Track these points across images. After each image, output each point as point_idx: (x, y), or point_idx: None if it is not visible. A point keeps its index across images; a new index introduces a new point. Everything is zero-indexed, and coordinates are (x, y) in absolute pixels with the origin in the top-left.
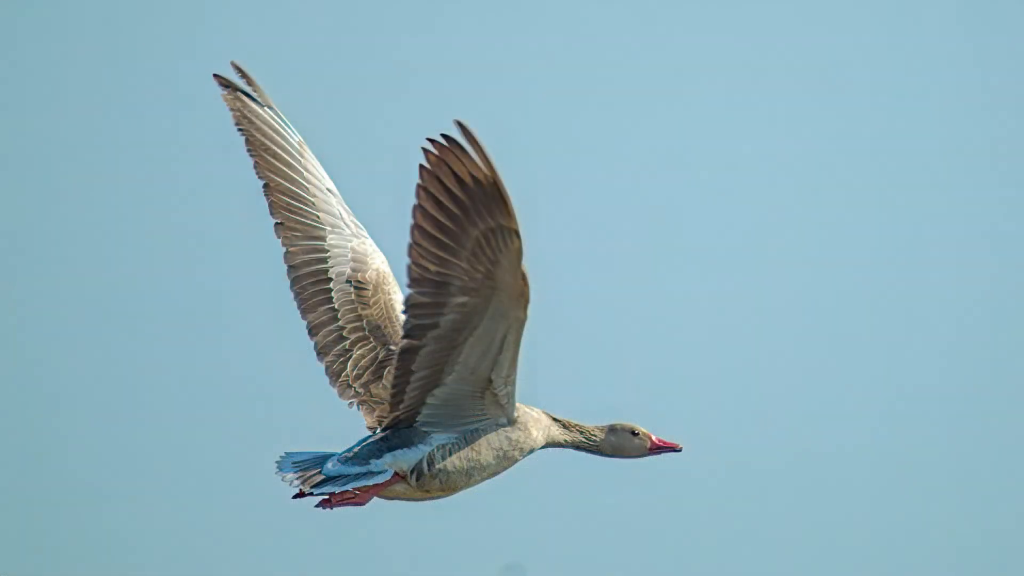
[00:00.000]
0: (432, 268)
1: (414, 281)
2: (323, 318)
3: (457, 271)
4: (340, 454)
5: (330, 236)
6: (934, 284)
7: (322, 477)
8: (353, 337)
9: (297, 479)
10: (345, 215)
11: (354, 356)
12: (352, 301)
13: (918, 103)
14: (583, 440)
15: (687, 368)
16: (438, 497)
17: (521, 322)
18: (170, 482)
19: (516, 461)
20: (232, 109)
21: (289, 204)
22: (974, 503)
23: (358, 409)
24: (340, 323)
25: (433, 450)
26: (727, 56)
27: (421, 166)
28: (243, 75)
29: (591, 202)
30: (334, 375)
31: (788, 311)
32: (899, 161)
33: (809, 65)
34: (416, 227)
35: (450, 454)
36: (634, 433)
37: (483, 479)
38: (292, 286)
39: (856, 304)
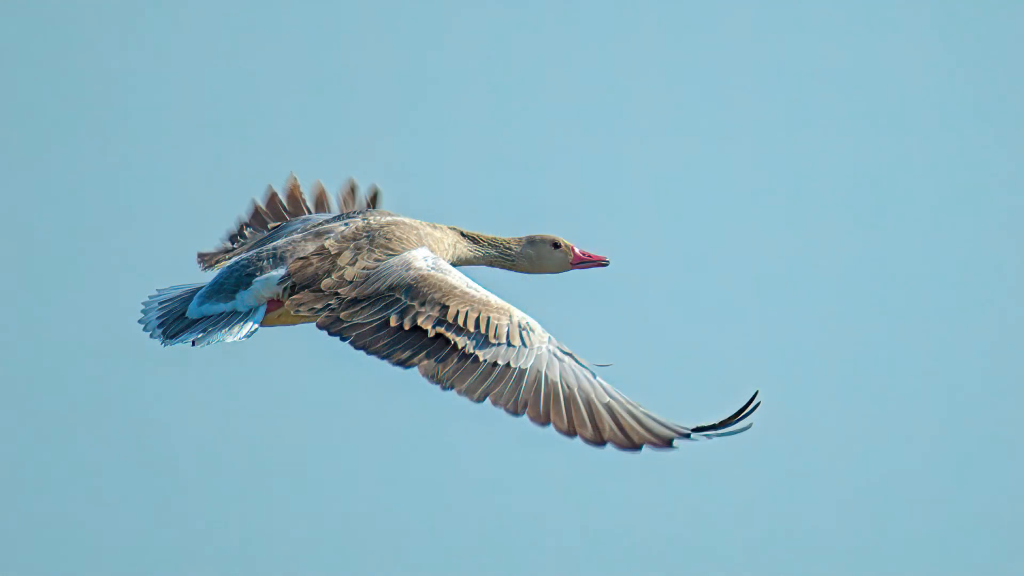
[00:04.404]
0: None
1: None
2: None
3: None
4: (206, 287)
5: None
6: (937, 285)
7: (186, 322)
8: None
9: (160, 331)
10: None
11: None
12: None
13: (921, 103)
14: (496, 256)
15: (687, 368)
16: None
17: None
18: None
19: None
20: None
21: None
22: (977, 504)
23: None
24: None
25: None
26: (728, 56)
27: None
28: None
29: (591, 202)
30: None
31: (789, 311)
32: (901, 161)
33: (809, 65)
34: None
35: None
36: (555, 245)
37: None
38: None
39: (858, 305)
